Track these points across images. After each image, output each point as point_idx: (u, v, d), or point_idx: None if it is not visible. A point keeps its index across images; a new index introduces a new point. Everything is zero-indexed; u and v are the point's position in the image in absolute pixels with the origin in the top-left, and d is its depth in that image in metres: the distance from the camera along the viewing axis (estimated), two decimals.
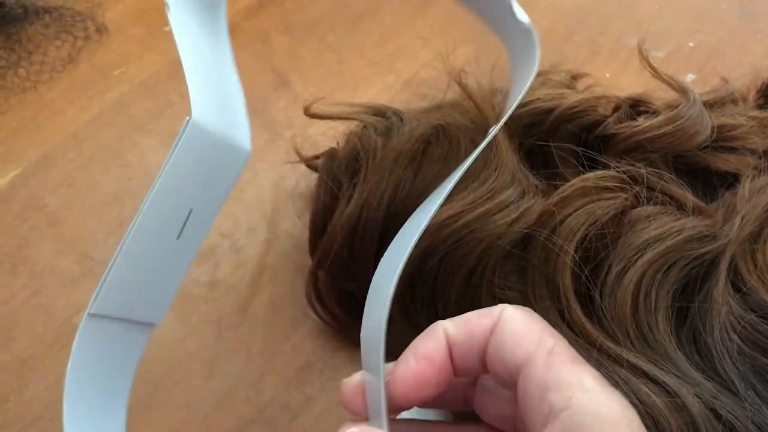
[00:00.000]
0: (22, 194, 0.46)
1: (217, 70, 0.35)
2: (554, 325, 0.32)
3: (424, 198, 0.36)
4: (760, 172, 0.38)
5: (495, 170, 0.36)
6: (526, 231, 0.34)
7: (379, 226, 0.37)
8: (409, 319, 0.37)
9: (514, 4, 0.33)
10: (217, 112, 0.32)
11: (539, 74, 0.45)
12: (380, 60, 0.53)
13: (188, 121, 0.30)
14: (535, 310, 0.33)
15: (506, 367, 0.26)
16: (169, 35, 0.53)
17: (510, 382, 0.26)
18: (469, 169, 0.35)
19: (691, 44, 0.54)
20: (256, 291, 0.43)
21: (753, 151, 0.39)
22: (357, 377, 0.27)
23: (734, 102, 0.44)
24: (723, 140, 0.39)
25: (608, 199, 0.34)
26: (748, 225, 0.34)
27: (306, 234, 0.41)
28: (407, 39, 0.54)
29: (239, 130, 0.34)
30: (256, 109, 0.50)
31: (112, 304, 0.30)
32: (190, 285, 0.43)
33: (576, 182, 0.35)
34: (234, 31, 0.54)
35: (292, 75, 0.52)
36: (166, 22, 0.53)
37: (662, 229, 0.34)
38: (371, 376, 0.26)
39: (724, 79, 0.47)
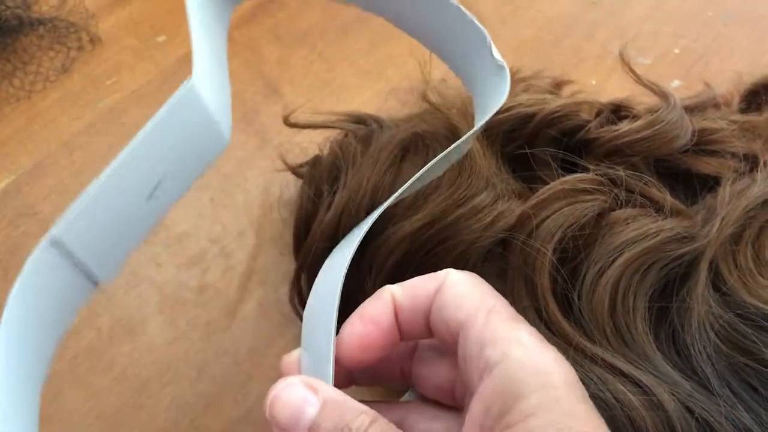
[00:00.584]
0: (15, 201, 0.47)
1: (218, 61, 0.35)
2: (533, 325, 0.33)
3: (402, 204, 0.36)
4: (740, 175, 0.38)
5: (468, 177, 0.36)
6: (502, 235, 0.35)
7: None
8: None
9: (492, 45, 0.34)
10: (212, 91, 0.33)
11: (522, 80, 0.46)
12: (369, 68, 0.54)
13: (188, 83, 0.29)
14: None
15: (448, 328, 0.26)
16: (161, 45, 0.55)
17: (451, 343, 0.26)
18: (442, 176, 0.36)
19: (676, 51, 0.55)
20: (244, 295, 0.43)
21: (734, 155, 0.40)
22: (295, 353, 0.29)
23: (716, 106, 0.44)
24: (704, 144, 0.40)
25: (587, 201, 0.35)
26: (728, 227, 0.35)
27: (291, 241, 0.42)
28: (396, 47, 0.55)
29: (225, 119, 0.34)
30: (246, 116, 0.51)
31: (74, 237, 0.29)
32: (179, 289, 0.43)
33: (555, 185, 0.35)
34: None
35: (282, 83, 0.53)
36: (159, 33, 0.55)
37: (640, 230, 0.34)
38: (315, 345, 0.27)
39: (707, 84, 0.48)
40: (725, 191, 0.37)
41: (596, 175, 0.37)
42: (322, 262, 0.39)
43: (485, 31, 0.35)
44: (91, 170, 0.48)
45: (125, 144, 0.49)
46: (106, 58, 0.54)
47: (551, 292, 0.33)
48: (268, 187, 0.47)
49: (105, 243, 0.31)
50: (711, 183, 0.39)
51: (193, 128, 0.32)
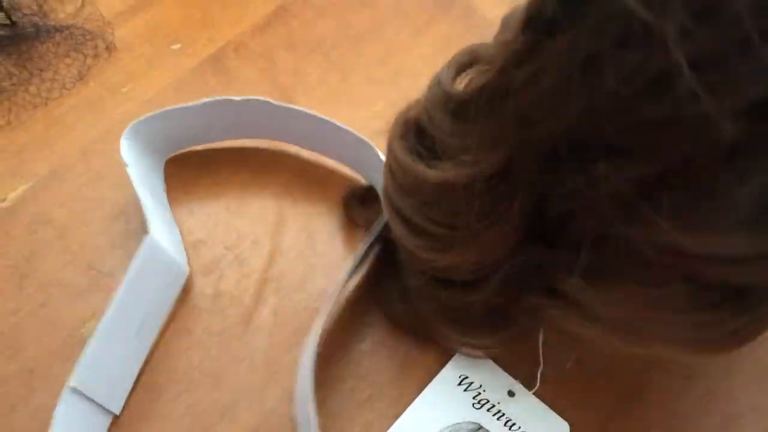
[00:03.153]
0: (32, 208, 0.47)
1: (162, 209, 0.45)
2: None
3: None
4: None
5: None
6: None
7: None
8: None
9: (379, 152, 0.43)
10: (166, 237, 0.42)
11: None
12: (383, 78, 0.54)
13: (147, 238, 0.39)
14: None
15: None
16: (176, 53, 0.55)
17: None
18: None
19: None
20: (260, 303, 0.43)
21: None
22: None
23: None
24: None
25: None
26: None
27: (306, 249, 0.42)
28: (410, 58, 0.55)
29: (181, 255, 0.44)
30: None
31: (87, 382, 0.36)
32: (194, 297, 0.44)
33: None
34: (240, 48, 0.55)
35: (296, 92, 0.53)
36: (174, 41, 0.55)
37: None
38: None
39: None
40: None
41: None
42: None
43: (372, 143, 0.44)
44: (107, 177, 0.48)
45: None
46: (121, 66, 0.54)
47: None
48: (284, 195, 0.48)
49: (111, 382, 0.38)
50: None
51: (161, 272, 0.41)
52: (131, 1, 0.57)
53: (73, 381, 0.36)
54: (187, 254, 0.45)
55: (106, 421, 0.39)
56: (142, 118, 0.45)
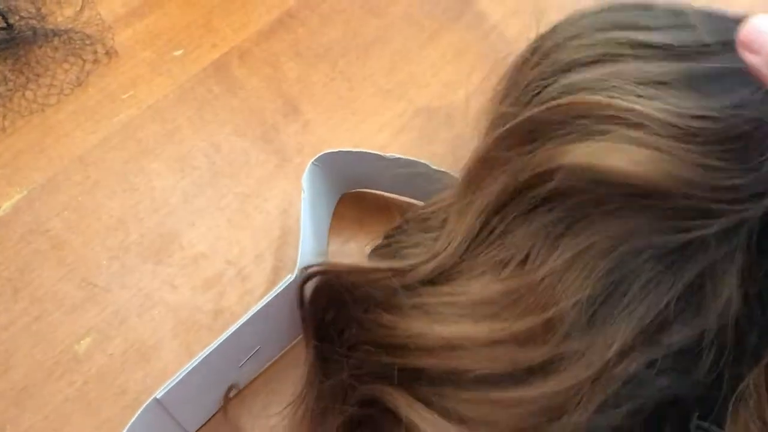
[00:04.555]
0: (27, 217, 0.45)
1: (319, 242, 0.43)
2: None
3: None
4: None
5: None
6: None
7: None
8: None
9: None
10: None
11: None
12: (391, 88, 0.53)
13: (290, 278, 0.37)
14: None
15: None
16: (179, 59, 0.53)
17: None
18: None
19: None
20: None
21: None
22: None
23: None
24: None
25: None
26: None
27: None
28: (418, 67, 0.54)
29: None
30: (265, 135, 0.50)
31: (173, 398, 0.35)
32: (194, 313, 0.42)
33: None
34: (245, 56, 0.53)
35: (302, 101, 0.51)
36: (176, 47, 0.53)
37: None
38: None
39: None
40: None
41: None
42: None
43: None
44: (105, 186, 0.46)
45: (140, 160, 0.48)
46: (122, 72, 0.52)
47: None
48: (287, 208, 0.46)
49: (197, 403, 0.37)
50: None
51: (292, 311, 0.38)
52: (132, 5, 0.55)
53: (159, 393, 0.34)
54: None
55: None
56: (336, 150, 0.43)
